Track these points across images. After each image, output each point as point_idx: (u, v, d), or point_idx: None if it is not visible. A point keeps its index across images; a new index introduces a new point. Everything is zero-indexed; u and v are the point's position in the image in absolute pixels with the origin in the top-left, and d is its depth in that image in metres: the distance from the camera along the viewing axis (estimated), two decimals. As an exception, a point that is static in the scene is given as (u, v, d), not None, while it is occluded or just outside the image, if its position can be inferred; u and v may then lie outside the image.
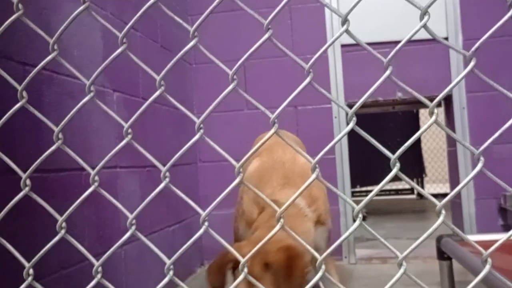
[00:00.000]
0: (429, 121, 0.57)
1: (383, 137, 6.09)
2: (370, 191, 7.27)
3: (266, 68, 3.33)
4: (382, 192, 7.15)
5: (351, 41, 3.26)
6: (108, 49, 2.22)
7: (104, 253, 2.11)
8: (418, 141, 7.00)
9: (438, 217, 0.59)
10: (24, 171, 1.53)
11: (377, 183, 7.27)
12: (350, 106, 3.48)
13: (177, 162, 2.63)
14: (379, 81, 0.61)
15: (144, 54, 2.64)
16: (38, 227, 1.62)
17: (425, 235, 0.59)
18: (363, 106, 3.47)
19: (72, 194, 1.84)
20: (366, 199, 0.61)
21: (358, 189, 6.67)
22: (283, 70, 3.35)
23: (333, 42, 0.63)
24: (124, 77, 2.38)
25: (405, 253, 0.59)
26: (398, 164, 0.58)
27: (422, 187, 7.15)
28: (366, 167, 5.96)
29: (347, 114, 2.65)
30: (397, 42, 2.79)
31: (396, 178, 6.33)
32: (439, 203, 0.57)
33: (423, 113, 7.35)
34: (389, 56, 0.61)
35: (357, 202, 2.76)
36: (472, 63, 0.57)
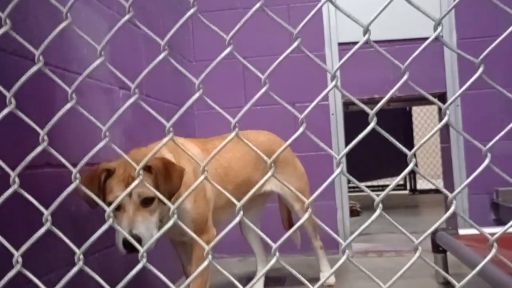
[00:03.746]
0: (443, 121, 0.64)
1: (376, 133, 6.17)
2: (366, 186, 7.35)
3: (265, 66, 3.38)
4: (376, 187, 7.25)
5: (348, 40, 3.34)
6: (115, 48, 2.28)
7: (103, 249, 2.15)
8: (411, 138, 7.09)
9: (449, 207, 0.65)
10: (19, 168, 1.59)
11: (373, 178, 7.30)
12: (346, 103, 3.54)
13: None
14: (398, 84, 0.67)
15: (147, 51, 2.69)
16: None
17: (438, 222, 0.65)
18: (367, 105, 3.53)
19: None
20: (384, 192, 0.68)
21: (352, 184, 6.76)
22: (282, 68, 3.40)
23: (356, 49, 0.70)
24: (129, 75, 2.43)
25: (421, 238, 0.66)
26: (414, 160, 0.65)
27: (415, 182, 7.26)
28: (361, 163, 6.04)
29: (345, 111, 2.71)
30: (397, 41, 2.86)
31: (389, 174, 6.32)
32: (450, 194, 0.64)
33: (415, 110, 7.45)
34: (406, 63, 0.68)
35: (352, 198, 2.85)
36: (480, 69, 0.64)
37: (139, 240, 1.51)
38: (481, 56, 0.64)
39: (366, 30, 0.68)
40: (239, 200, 2.40)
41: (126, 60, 2.45)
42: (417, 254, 0.65)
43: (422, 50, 2.81)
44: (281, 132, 2.64)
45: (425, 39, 2.89)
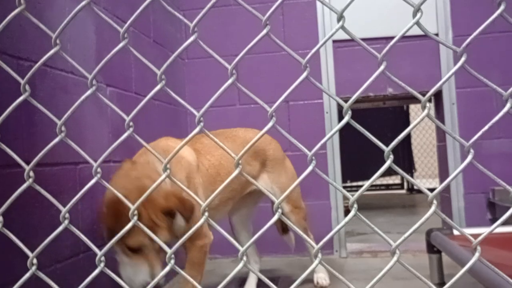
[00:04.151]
0: (422, 114, 0.59)
1: (374, 132, 6.16)
2: (361, 186, 7.33)
3: (258, 64, 3.34)
4: (373, 187, 7.21)
5: (343, 37, 3.29)
6: (101, 43, 2.23)
7: (98, 246, 2.11)
8: (408, 137, 7.06)
9: (429, 208, 0.61)
10: (18, 165, 1.55)
11: (368, 178, 7.35)
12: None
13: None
14: (374, 75, 0.63)
15: (136, 48, 2.63)
16: (34, 219, 1.63)
17: (417, 224, 0.61)
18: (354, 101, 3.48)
19: (66, 188, 1.85)
20: (360, 190, 0.63)
21: (349, 184, 6.72)
22: (275, 66, 3.37)
23: (329, 38, 0.65)
24: (117, 72, 2.39)
25: (398, 241, 0.61)
26: (391, 156, 0.61)
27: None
28: (357, 162, 6.00)
29: (340, 109, 2.68)
30: (388, 38, 2.82)
31: (386, 173, 6.35)
32: (430, 194, 0.60)
33: (413, 108, 7.42)
34: (383, 52, 0.63)
35: (347, 198, 2.78)
36: (463, 59, 0.59)
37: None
38: (464, 45, 0.59)
39: (340, 17, 0.64)
40: (233, 197, 2.33)
41: (114, 57, 2.40)
42: (394, 258, 0.60)
43: (416, 46, 2.74)
44: (273, 130, 2.60)
45: (418, 36, 2.83)
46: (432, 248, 2.42)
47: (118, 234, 0.86)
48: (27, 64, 1.66)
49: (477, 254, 0.57)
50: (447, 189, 3.26)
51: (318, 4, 3.39)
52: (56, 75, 1.83)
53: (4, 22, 0.70)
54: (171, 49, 3.19)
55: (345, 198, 3.66)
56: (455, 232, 2.37)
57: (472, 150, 0.60)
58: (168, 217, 1.61)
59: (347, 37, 3.39)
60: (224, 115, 3.35)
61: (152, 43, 2.86)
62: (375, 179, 0.62)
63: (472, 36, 0.60)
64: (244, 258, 0.67)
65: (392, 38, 2.73)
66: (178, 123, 3.27)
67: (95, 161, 1.95)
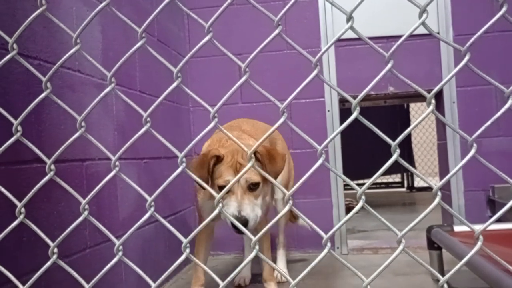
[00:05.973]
0: (427, 110, 0.62)
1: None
2: (361, 184, 7.36)
3: (260, 62, 3.36)
4: (373, 185, 7.24)
5: (345, 36, 3.31)
6: (107, 42, 2.26)
7: (103, 242, 2.14)
8: (408, 135, 7.09)
9: (434, 199, 0.64)
10: (25, 162, 1.58)
11: (369, 176, 7.39)
12: (342, 100, 3.53)
13: (172, 154, 2.66)
14: (381, 73, 0.66)
15: (143, 47, 2.67)
16: (41, 214, 1.67)
17: (423, 214, 0.64)
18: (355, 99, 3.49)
19: (73, 185, 1.88)
20: (369, 181, 0.66)
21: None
22: (276, 64, 3.39)
23: (339, 37, 0.68)
24: (122, 70, 2.41)
25: (404, 231, 0.64)
26: (398, 150, 0.63)
27: (412, 180, 7.25)
28: (357, 161, 6.03)
29: (341, 108, 2.71)
30: (389, 37, 2.84)
31: (387, 172, 6.36)
32: (435, 186, 0.63)
33: (413, 107, 7.45)
34: (391, 50, 0.66)
35: (348, 195, 2.85)
36: (466, 57, 0.62)
37: (246, 221, 1.71)
38: (467, 44, 0.62)
39: (349, 18, 0.66)
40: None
41: (120, 55, 2.43)
42: (401, 247, 0.63)
43: (417, 45, 2.76)
44: (279, 128, 2.64)
45: (421, 35, 2.86)
46: (432, 245, 2.45)
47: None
48: (36, 62, 1.69)
49: (479, 243, 0.60)
50: (447, 186, 3.29)
51: (320, 2, 3.42)
52: (64, 74, 1.86)
53: (26, 23, 0.73)
54: (175, 48, 3.22)
55: (346, 196, 3.69)
56: (456, 229, 2.40)
57: (475, 144, 0.63)
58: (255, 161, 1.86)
59: (349, 36, 3.41)
60: (227, 114, 3.38)
61: (156, 42, 2.89)
62: (382, 171, 0.65)
63: (475, 36, 0.63)
64: (257, 247, 0.70)
65: (393, 37, 2.76)
66: (181, 121, 3.30)
67: (100, 158, 1.98)
